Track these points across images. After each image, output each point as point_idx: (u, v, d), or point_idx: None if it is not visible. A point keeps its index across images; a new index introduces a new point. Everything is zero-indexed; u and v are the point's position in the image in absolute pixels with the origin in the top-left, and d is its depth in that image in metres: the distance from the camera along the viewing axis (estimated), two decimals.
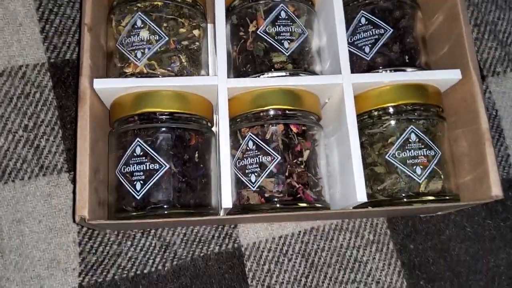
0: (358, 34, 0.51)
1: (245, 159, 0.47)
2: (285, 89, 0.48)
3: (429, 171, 0.47)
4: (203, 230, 0.54)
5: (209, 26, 0.55)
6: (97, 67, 0.47)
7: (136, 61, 0.47)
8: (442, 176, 0.47)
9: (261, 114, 0.48)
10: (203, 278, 0.52)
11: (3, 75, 0.54)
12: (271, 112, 0.48)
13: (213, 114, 0.51)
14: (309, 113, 0.49)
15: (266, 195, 0.46)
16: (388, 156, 0.47)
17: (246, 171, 0.47)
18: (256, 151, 0.47)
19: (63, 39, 0.56)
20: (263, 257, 0.54)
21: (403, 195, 0.47)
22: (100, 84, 0.45)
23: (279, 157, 0.46)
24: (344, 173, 0.47)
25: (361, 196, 0.44)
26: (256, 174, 0.46)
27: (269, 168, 0.46)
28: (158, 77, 0.47)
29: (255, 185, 0.46)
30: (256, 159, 0.46)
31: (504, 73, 0.62)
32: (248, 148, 0.47)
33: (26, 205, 0.52)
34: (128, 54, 0.48)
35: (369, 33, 0.51)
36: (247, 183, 0.46)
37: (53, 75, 0.55)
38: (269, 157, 0.46)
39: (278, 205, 0.45)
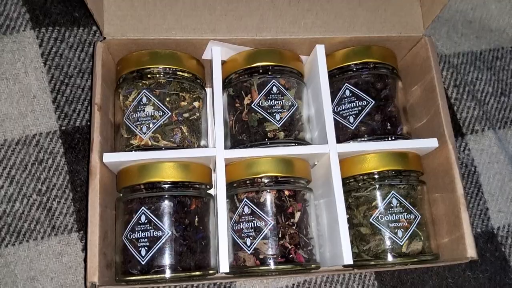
0: (343, 105, 0.56)
1: (241, 223, 0.51)
2: (278, 158, 0.53)
3: (409, 233, 0.51)
4: (202, 286, 0.58)
5: (208, 90, 0.60)
6: (106, 140, 0.52)
7: (142, 134, 0.52)
8: (422, 237, 0.52)
9: (256, 180, 0.53)
10: None
11: (19, 143, 0.58)
12: (265, 179, 0.52)
13: (211, 178, 0.55)
14: (300, 178, 0.54)
15: (261, 256, 0.50)
16: (372, 219, 0.52)
17: (242, 234, 0.51)
18: (251, 216, 0.51)
19: (74, 107, 0.61)
20: None
21: (387, 255, 0.51)
22: (110, 158, 0.50)
23: (272, 222, 0.50)
24: (332, 236, 0.52)
25: (348, 259, 0.48)
26: (251, 238, 0.50)
27: (263, 232, 0.50)
28: (162, 148, 0.52)
29: (251, 249, 0.50)
30: (251, 224, 0.51)
31: (482, 131, 0.67)
32: (244, 212, 0.52)
33: (39, 263, 0.56)
34: (134, 128, 0.52)
35: (353, 104, 0.56)
36: (243, 246, 0.51)
37: (64, 141, 0.59)
38: (263, 222, 0.51)
39: (272, 267, 0.50)
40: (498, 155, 0.65)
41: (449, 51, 0.71)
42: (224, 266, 0.47)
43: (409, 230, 0.51)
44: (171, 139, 0.53)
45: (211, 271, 0.51)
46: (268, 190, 0.52)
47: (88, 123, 0.61)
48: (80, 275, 0.57)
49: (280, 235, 0.51)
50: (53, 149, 0.59)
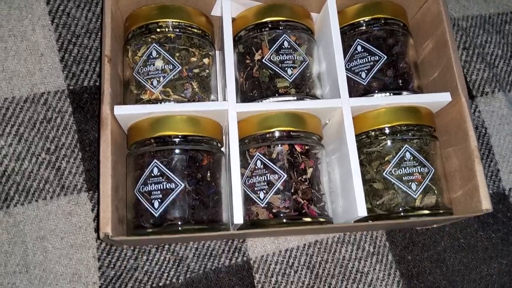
0: (355, 61, 0.56)
1: (253, 178, 0.51)
2: (289, 112, 0.52)
3: (423, 186, 0.51)
4: (214, 245, 0.57)
5: (217, 52, 0.59)
6: (116, 94, 0.51)
7: (152, 88, 0.51)
8: (436, 191, 0.51)
9: (268, 135, 0.52)
10: None
11: (27, 101, 0.57)
12: (277, 134, 0.52)
13: (222, 135, 0.55)
14: (311, 133, 0.53)
15: (274, 210, 0.50)
16: (385, 173, 0.51)
17: (255, 188, 0.50)
18: (264, 170, 0.50)
19: (81, 67, 0.60)
20: (271, 269, 0.57)
21: (400, 209, 0.50)
22: (121, 110, 0.49)
23: (285, 175, 0.50)
24: (345, 190, 0.51)
25: (362, 211, 0.48)
26: (264, 191, 0.50)
27: (276, 186, 0.50)
28: (172, 102, 0.51)
29: (264, 202, 0.50)
30: (264, 177, 0.50)
31: (492, 93, 0.66)
32: (256, 167, 0.51)
33: (49, 223, 0.56)
34: (145, 82, 0.52)
35: (365, 59, 0.55)
36: (256, 200, 0.50)
37: (72, 101, 0.59)
38: (276, 175, 0.50)
39: (285, 220, 0.49)
40: (509, 117, 0.65)
41: (458, 14, 0.70)
42: (238, 218, 0.47)
43: (423, 183, 0.51)
44: (182, 94, 0.52)
45: (223, 227, 0.50)
46: (280, 145, 0.51)
47: (96, 84, 0.60)
48: (90, 235, 0.56)
49: (292, 190, 0.50)
50: (61, 108, 0.58)
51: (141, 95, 0.52)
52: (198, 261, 0.56)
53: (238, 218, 0.47)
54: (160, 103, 0.51)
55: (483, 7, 0.71)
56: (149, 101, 0.51)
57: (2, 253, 0.54)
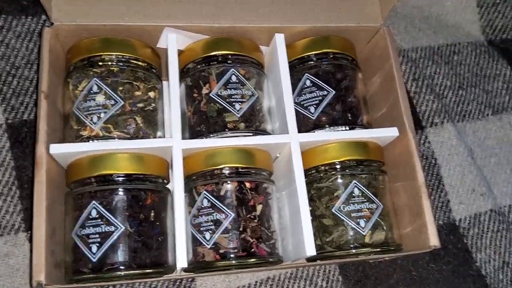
0: (303, 95, 0.55)
1: (200, 217, 0.49)
2: (238, 148, 0.50)
3: (372, 223, 0.50)
4: (161, 285, 0.55)
5: (164, 83, 0.58)
6: (54, 131, 0.49)
7: (92, 125, 0.49)
8: (385, 227, 0.51)
9: (216, 172, 0.50)
10: None
11: None
12: (226, 170, 0.50)
13: (168, 171, 0.53)
14: (261, 169, 0.52)
15: (221, 251, 0.48)
16: (335, 210, 0.50)
17: (201, 228, 0.48)
18: (211, 209, 0.48)
19: (21, 99, 0.57)
20: None
21: (350, 246, 0.49)
22: (57, 149, 0.46)
23: (233, 214, 0.48)
24: (294, 227, 0.50)
25: (310, 250, 0.46)
26: (210, 231, 0.48)
27: (223, 225, 0.48)
28: (114, 139, 0.49)
29: (210, 243, 0.48)
30: (211, 217, 0.48)
31: (441, 124, 0.67)
32: (202, 205, 0.49)
33: None
34: (84, 118, 0.49)
35: (314, 94, 0.54)
36: (202, 241, 0.48)
37: (10, 135, 0.55)
38: (223, 214, 0.48)
39: (233, 262, 0.47)
40: (458, 147, 0.66)
41: (407, 46, 0.71)
42: (182, 261, 0.44)
43: (372, 220, 0.50)
44: (124, 130, 0.50)
45: (168, 269, 0.48)
46: (229, 182, 0.49)
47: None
48: (28, 278, 0.53)
49: (241, 229, 0.48)
50: None
51: (81, 131, 0.50)
52: None
53: (182, 261, 0.45)
54: (101, 140, 0.49)
55: (432, 38, 0.72)
56: (89, 138, 0.49)
57: None
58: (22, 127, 0.56)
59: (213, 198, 0.49)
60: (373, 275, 0.59)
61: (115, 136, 0.49)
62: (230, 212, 0.48)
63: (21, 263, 0.53)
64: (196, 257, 0.48)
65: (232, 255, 0.47)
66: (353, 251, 0.49)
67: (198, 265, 0.48)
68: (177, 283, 0.55)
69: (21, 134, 0.56)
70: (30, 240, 0.53)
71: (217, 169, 0.50)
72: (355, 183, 0.51)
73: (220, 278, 0.56)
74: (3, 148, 0.55)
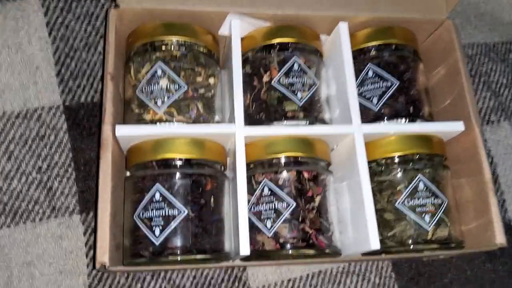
0: (366, 86, 0.54)
1: (260, 205, 0.48)
2: (298, 137, 0.50)
3: (436, 218, 0.49)
4: (213, 273, 0.54)
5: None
6: (117, 114, 0.49)
7: (157, 108, 0.48)
8: (448, 224, 0.49)
9: (275, 161, 0.49)
10: None
11: (19, 117, 0.54)
12: (285, 159, 0.49)
13: (226, 158, 0.52)
14: (320, 159, 0.51)
15: (281, 240, 0.47)
16: (398, 204, 0.49)
17: (262, 216, 0.48)
18: (272, 197, 0.48)
19: (78, 82, 0.57)
20: None
21: (411, 241, 0.48)
22: (123, 131, 0.46)
23: (294, 203, 0.47)
24: (356, 220, 0.49)
25: (375, 244, 0.45)
26: (271, 220, 0.47)
27: (284, 214, 0.47)
28: (177, 124, 0.48)
29: (271, 231, 0.47)
30: (272, 205, 0.48)
31: (498, 122, 0.65)
32: (263, 194, 0.48)
33: (36, 247, 0.52)
34: (148, 101, 0.49)
35: (377, 85, 0.53)
36: (263, 229, 0.47)
37: (68, 117, 0.55)
38: (284, 203, 0.47)
39: (293, 252, 0.46)
40: None
41: (463, 42, 0.69)
42: (245, 249, 0.44)
43: (437, 215, 0.49)
44: (187, 115, 0.49)
45: (225, 256, 0.47)
46: (288, 171, 0.49)
47: (94, 100, 0.57)
48: (81, 260, 0.53)
49: (300, 219, 0.48)
50: (55, 124, 0.55)
51: (143, 115, 0.49)
52: None
53: (245, 249, 0.44)
54: (164, 124, 0.48)
55: (487, 36, 0.71)
56: (152, 121, 0.49)
57: None
58: (79, 110, 0.56)
59: (274, 187, 0.48)
60: (427, 273, 0.58)
61: (177, 120, 0.49)
62: (291, 201, 0.47)
63: (74, 246, 0.53)
64: (255, 245, 0.48)
65: (292, 245, 0.47)
66: (418, 246, 0.48)
67: (257, 254, 0.47)
68: (229, 272, 0.55)
69: (78, 116, 0.56)
70: (84, 222, 0.53)
71: (276, 158, 0.49)
72: (420, 177, 0.50)
73: (272, 269, 0.56)
74: (61, 130, 0.55)
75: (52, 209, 0.53)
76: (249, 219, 0.48)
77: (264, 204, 0.48)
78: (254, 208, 0.49)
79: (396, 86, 0.53)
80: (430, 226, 0.48)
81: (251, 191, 0.49)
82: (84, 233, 0.53)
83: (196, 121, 0.49)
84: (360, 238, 0.48)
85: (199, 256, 0.45)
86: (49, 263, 0.52)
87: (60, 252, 0.52)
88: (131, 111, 0.50)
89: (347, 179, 0.52)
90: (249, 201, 0.49)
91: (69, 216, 0.53)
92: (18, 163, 0.53)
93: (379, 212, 0.50)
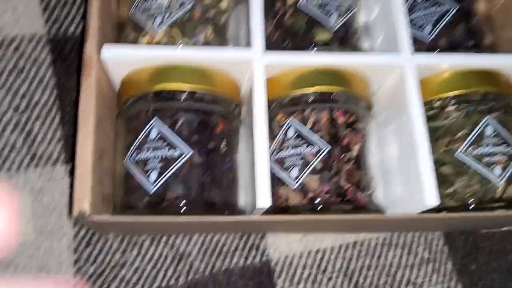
0: (417, 12, 0.44)
1: (283, 151, 0.39)
2: (332, 69, 0.40)
3: (509, 172, 0.39)
4: (225, 239, 0.45)
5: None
6: (105, 36, 0.40)
7: (154, 29, 0.40)
8: None
9: (302, 98, 0.40)
10: None
11: None
12: (315, 96, 0.40)
13: (241, 98, 0.43)
14: (360, 98, 0.41)
15: (310, 195, 0.38)
16: (459, 153, 0.39)
17: (285, 165, 0.38)
18: (299, 140, 0.39)
19: (67, 11, 0.49)
20: (297, 274, 0.45)
21: (477, 201, 0.39)
22: (111, 51, 0.37)
23: (327, 148, 0.38)
24: (406, 171, 0.39)
25: (432, 199, 0.36)
26: (298, 168, 0.38)
27: (314, 161, 0.38)
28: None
29: (297, 182, 0.38)
30: (298, 151, 0.38)
31: None
32: (286, 137, 0.39)
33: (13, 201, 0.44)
34: (145, 20, 0.40)
35: (430, 10, 0.44)
36: (286, 180, 0.38)
37: (52, 49, 0.47)
38: (314, 147, 0.38)
39: (325, 208, 0.37)
40: None
41: None
42: (265, 200, 0.35)
43: (509, 167, 0.39)
44: (193, 39, 0.40)
45: (239, 213, 0.39)
46: (319, 111, 0.39)
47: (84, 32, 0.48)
48: (66, 220, 0.44)
49: (334, 170, 0.38)
50: (37, 56, 0.47)
51: (139, 38, 0.41)
52: (204, 259, 0.44)
53: (265, 199, 0.35)
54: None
55: None
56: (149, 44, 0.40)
57: None
58: (66, 42, 0.48)
59: (302, 127, 0.39)
60: (487, 248, 0.48)
61: (181, 44, 0.40)
62: (324, 145, 0.38)
63: (58, 202, 0.45)
64: (277, 200, 0.39)
65: (323, 200, 0.37)
66: (486, 205, 0.38)
67: (279, 210, 0.38)
68: (244, 239, 0.46)
69: (65, 49, 0.48)
70: (71, 173, 0.45)
71: (303, 93, 0.40)
72: (489, 120, 0.40)
73: (296, 238, 0.46)
74: (43, 63, 0.47)
75: (31, 157, 0.45)
76: (270, 169, 0.39)
77: (289, 149, 0.39)
78: (275, 155, 0.39)
79: (454, 11, 0.43)
80: (501, 181, 0.38)
81: (270, 135, 0.40)
82: (70, 187, 0.45)
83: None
84: (412, 194, 0.38)
85: (205, 210, 0.36)
86: (26, 221, 0.44)
87: (41, 209, 0.44)
88: (125, 37, 0.42)
89: (392, 122, 0.42)
90: (270, 148, 0.40)
91: (52, 166, 0.45)
92: None
93: (434, 166, 0.41)
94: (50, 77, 0.46)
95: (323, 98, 0.40)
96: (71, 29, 0.48)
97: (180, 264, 0.44)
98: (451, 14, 0.43)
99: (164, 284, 0.43)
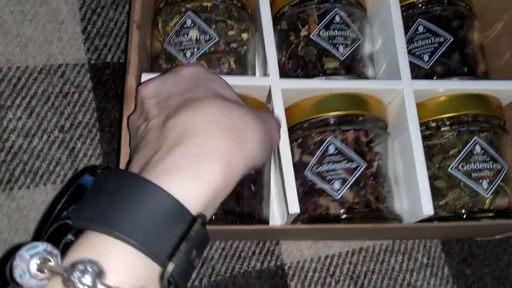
0: (415, 42, 0.50)
1: (324, 165, 0.43)
2: (354, 94, 0.45)
3: (495, 185, 0.44)
4: (243, 246, 0.51)
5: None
6: (142, 68, 0.46)
7: (185, 60, 0.45)
8: (508, 192, 0.44)
9: (330, 120, 0.45)
10: None
11: (42, 72, 0.52)
12: (339, 119, 0.45)
13: None
14: (378, 120, 0.46)
15: (347, 205, 0.42)
16: (451, 169, 0.44)
17: (327, 178, 0.43)
18: (339, 157, 0.43)
19: (105, 41, 0.55)
20: (308, 277, 0.50)
21: (466, 211, 0.43)
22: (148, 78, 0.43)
23: (364, 164, 0.43)
24: (408, 184, 0.44)
25: (427, 209, 0.41)
26: (340, 181, 0.43)
27: (355, 175, 0.43)
28: None
29: (340, 193, 0.43)
30: (340, 165, 0.43)
31: None
32: (327, 153, 0.44)
33: None
34: (177, 53, 0.46)
35: (428, 41, 0.49)
36: (329, 191, 0.43)
37: (93, 76, 0.53)
38: (354, 163, 0.43)
39: (359, 218, 0.42)
40: None
41: None
42: (294, 206, 0.39)
43: (495, 182, 0.44)
44: (218, 69, 0.46)
45: (260, 221, 0.44)
46: (344, 132, 0.44)
47: (120, 61, 0.54)
48: None
49: (362, 184, 0.43)
50: (80, 82, 0.52)
51: (171, 68, 0.46)
52: (225, 262, 0.49)
53: (294, 206, 0.40)
54: None
55: None
56: None
57: (1, 241, 0.47)
58: (105, 69, 0.53)
59: (342, 146, 0.44)
60: (481, 255, 0.53)
61: None
62: (361, 162, 0.43)
63: None
64: (316, 209, 0.43)
65: (357, 211, 0.42)
66: (474, 215, 0.43)
67: (321, 218, 0.43)
68: (260, 245, 0.51)
69: (104, 75, 0.53)
70: None
71: (333, 116, 0.45)
72: (477, 139, 0.45)
73: (307, 245, 0.51)
74: (85, 88, 0.52)
75: (74, 171, 0.50)
76: (310, 181, 0.44)
77: (330, 164, 0.43)
78: (316, 169, 0.44)
79: (449, 42, 0.48)
80: (488, 194, 0.43)
81: (307, 151, 0.45)
82: None
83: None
84: (413, 204, 0.43)
85: (226, 220, 0.41)
86: None
87: None
88: (159, 66, 0.48)
89: (396, 140, 0.47)
90: (307, 163, 0.44)
91: None
92: (40, 120, 0.51)
93: (429, 180, 0.45)
94: (91, 101, 0.52)
95: (349, 120, 0.45)
96: (109, 57, 0.54)
97: (203, 267, 0.49)
98: (447, 44, 0.48)
99: (189, 285, 0.49)
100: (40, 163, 0.50)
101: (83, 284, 0.21)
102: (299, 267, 0.50)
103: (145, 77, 0.43)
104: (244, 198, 0.43)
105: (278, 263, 0.50)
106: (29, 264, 0.22)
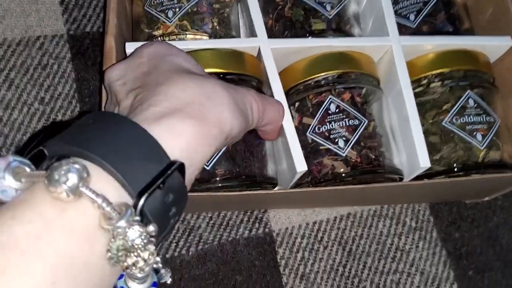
0: (401, 3, 0.45)
1: (326, 124, 0.39)
2: (344, 53, 0.41)
3: (490, 138, 0.39)
4: (231, 214, 0.46)
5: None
6: (122, 31, 0.40)
7: (167, 21, 0.40)
8: (501, 146, 0.40)
9: (326, 80, 0.40)
10: (231, 264, 0.43)
11: (20, 44, 0.46)
12: (334, 79, 0.40)
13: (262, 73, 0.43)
14: (371, 77, 0.42)
15: (351, 163, 0.38)
16: (445, 123, 0.40)
17: (331, 137, 0.39)
18: (341, 115, 0.39)
19: (84, 12, 0.49)
20: (296, 244, 0.45)
21: (461, 164, 0.39)
22: (133, 47, 0.37)
23: (366, 121, 0.39)
24: (404, 140, 0.40)
25: (424, 161, 0.37)
26: (344, 140, 0.38)
27: (358, 131, 0.38)
28: (191, 37, 0.40)
29: (345, 150, 0.38)
30: (343, 123, 0.39)
31: None
32: (330, 112, 0.39)
33: None
34: (158, 14, 0.41)
35: (414, 0, 0.44)
36: (335, 149, 0.38)
37: (71, 46, 0.47)
38: (356, 120, 0.39)
39: (361, 175, 0.38)
40: None
41: None
42: (301, 164, 0.36)
43: (489, 134, 0.39)
44: (201, 29, 0.41)
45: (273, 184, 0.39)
46: (340, 91, 0.40)
47: (100, 30, 0.49)
48: None
49: (362, 143, 0.39)
50: (59, 53, 0.47)
51: (153, 31, 0.41)
52: (212, 231, 0.44)
53: (301, 164, 0.35)
54: (177, 37, 0.40)
55: None
56: (163, 36, 0.40)
57: None
58: (84, 39, 0.48)
59: (343, 103, 0.39)
60: (469, 217, 0.48)
61: (191, 34, 0.40)
62: (363, 119, 0.39)
63: None
64: (321, 169, 0.39)
65: (361, 168, 0.38)
66: (469, 169, 0.38)
67: (328, 178, 0.38)
68: (248, 213, 0.46)
69: (83, 45, 0.48)
70: None
71: (328, 76, 0.40)
72: (470, 93, 0.40)
73: (295, 212, 0.47)
74: (64, 59, 0.47)
75: None
76: (312, 143, 0.39)
77: (332, 123, 0.39)
78: (318, 129, 0.39)
79: (435, 1, 0.44)
80: (482, 146, 0.39)
81: (307, 113, 0.40)
82: None
83: (212, 36, 0.41)
84: (410, 158, 0.39)
85: (236, 182, 0.37)
86: None
87: None
88: (140, 31, 0.42)
89: (388, 95, 0.43)
90: (308, 125, 0.40)
91: None
92: (19, 93, 0.45)
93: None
94: (70, 72, 0.47)
95: (344, 79, 0.40)
96: (88, 27, 0.49)
97: (191, 235, 0.44)
98: (432, 3, 0.44)
99: (176, 254, 0.43)
100: (21, 136, 0.44)
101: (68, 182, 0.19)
102: (287, 234, 0.45)
103: (128, 46, 0.38)
104: (258, 159, 0.38)
105: (266, 230, 0.45)
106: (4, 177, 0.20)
